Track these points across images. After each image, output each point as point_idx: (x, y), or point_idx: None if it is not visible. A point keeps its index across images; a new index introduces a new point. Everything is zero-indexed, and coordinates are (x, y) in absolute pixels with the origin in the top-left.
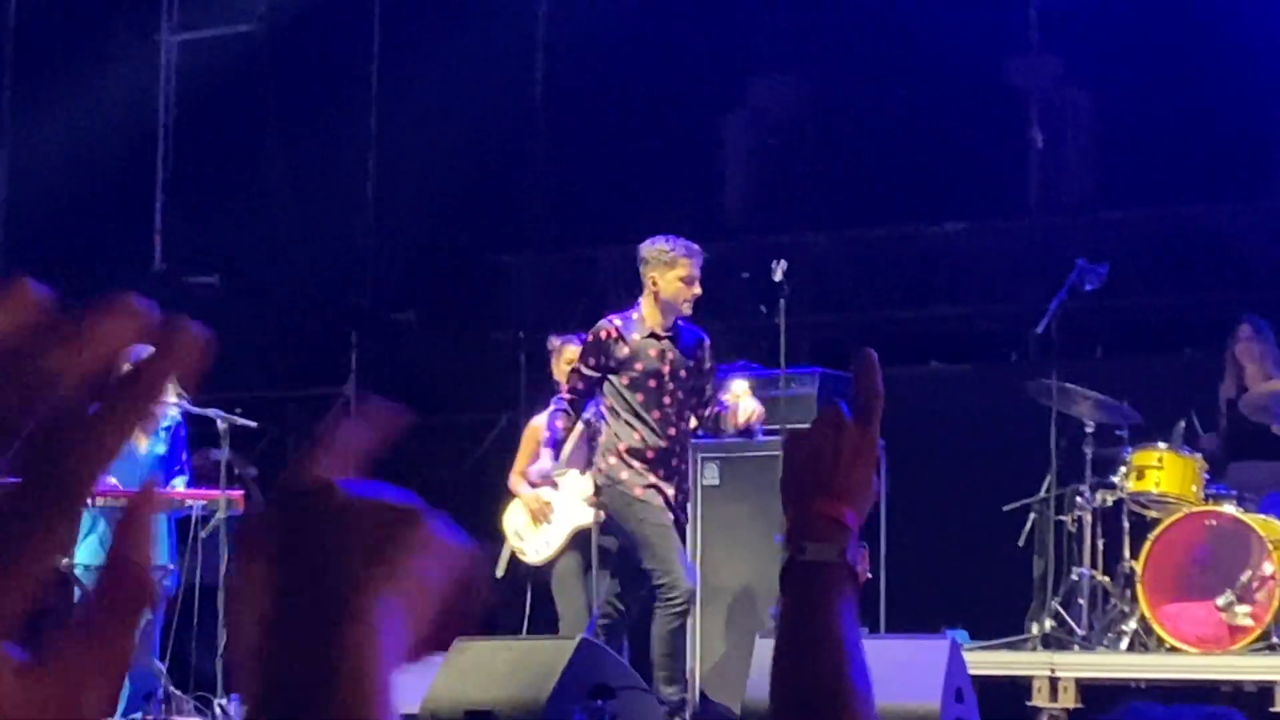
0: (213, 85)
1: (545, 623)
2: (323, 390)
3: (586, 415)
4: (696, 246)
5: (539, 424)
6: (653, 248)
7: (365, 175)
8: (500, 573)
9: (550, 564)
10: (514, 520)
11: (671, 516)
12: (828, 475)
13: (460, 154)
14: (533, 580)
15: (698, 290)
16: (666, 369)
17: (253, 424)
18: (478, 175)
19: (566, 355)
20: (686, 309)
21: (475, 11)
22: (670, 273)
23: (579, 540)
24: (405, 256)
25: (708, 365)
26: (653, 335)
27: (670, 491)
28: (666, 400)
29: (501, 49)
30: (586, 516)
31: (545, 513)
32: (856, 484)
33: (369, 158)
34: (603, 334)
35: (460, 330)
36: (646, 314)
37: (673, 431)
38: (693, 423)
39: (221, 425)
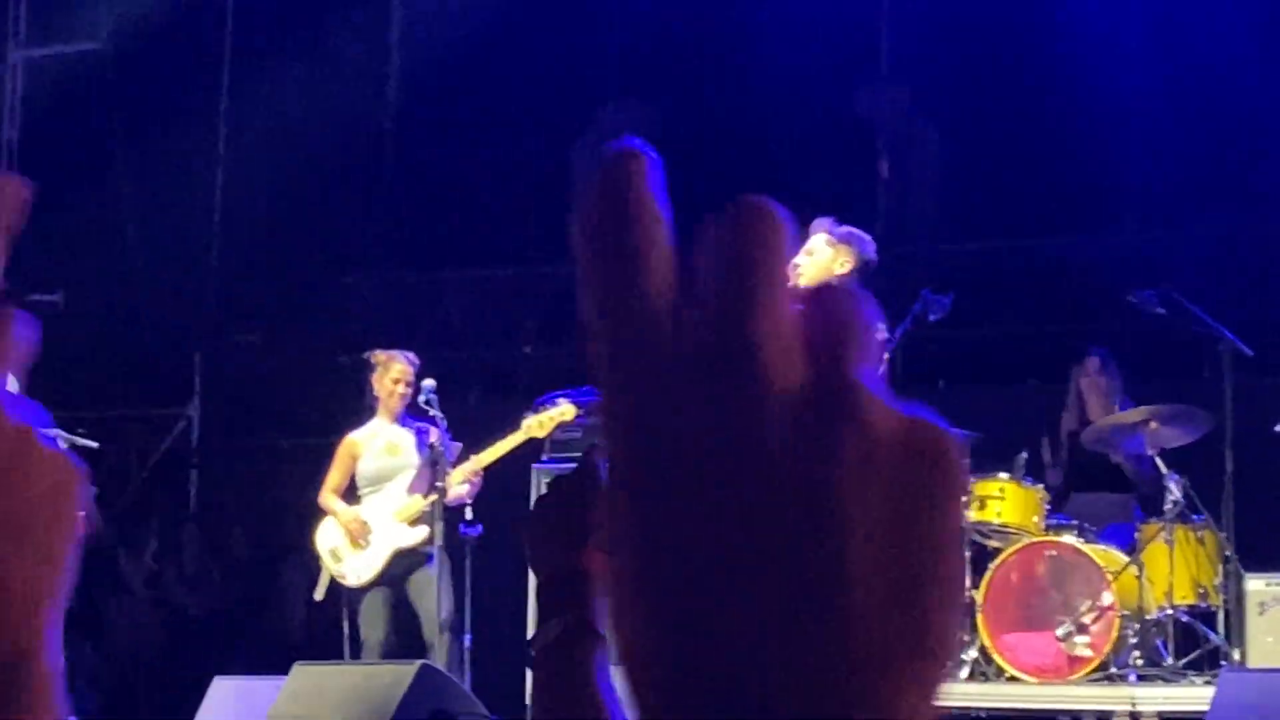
0: (59, 103)
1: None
2: (166, 410)
3: (431, 440)
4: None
5: (355, 439)
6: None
7: (212, 195)
8: (320, 596)
9: (367, 587)
10: (328, 540)
11: None
12: (583, 527)
13: (307, 175)
14: (348, 602)
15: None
16: None
17: (94, 444)
18: (324, 196)
19: (393, 372)
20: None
21: (327, 31)
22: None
23: (394, 566)
24: (250, 277)
25: None
26: None
27: None
28: None
29: (352, 71)
30: (407, 537)
31: (364, 533)
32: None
33: (216, 177)
34: None
35: (304, 351)
36: None
37: None
38: None
39: (62, 444)
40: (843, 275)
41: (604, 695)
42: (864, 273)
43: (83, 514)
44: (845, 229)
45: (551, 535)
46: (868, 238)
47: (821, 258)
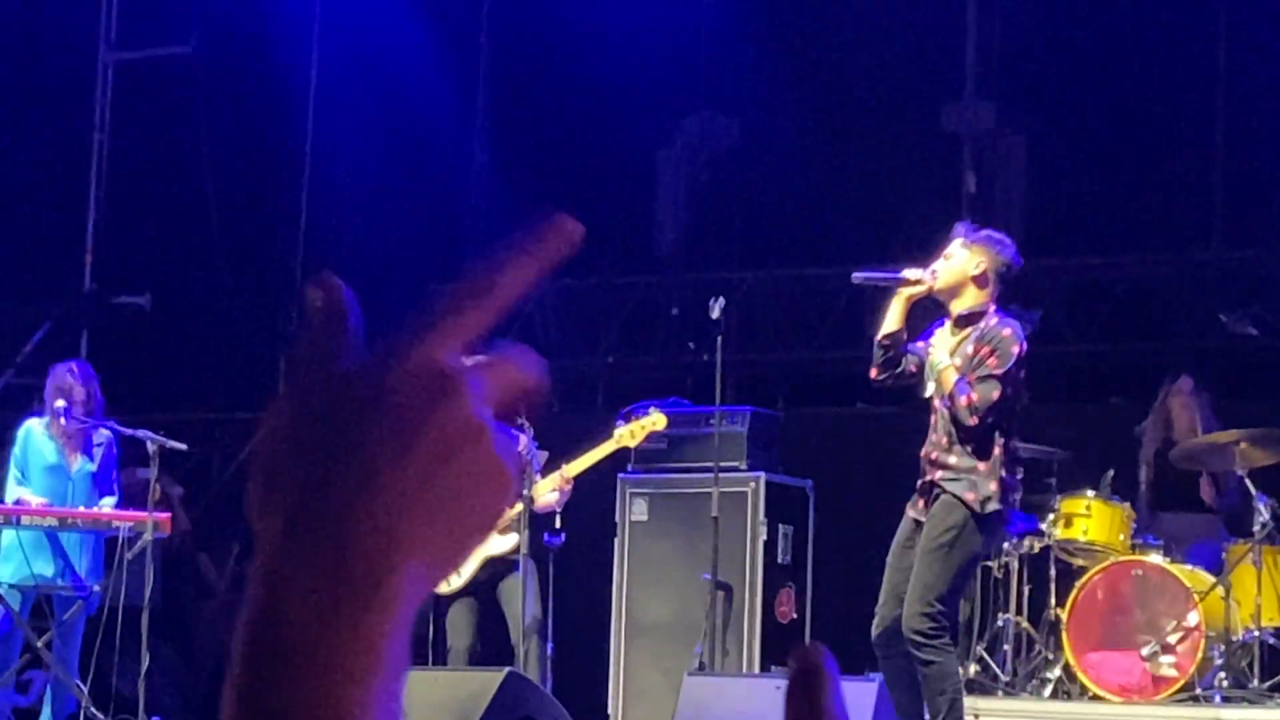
0: (149, 106)
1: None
2: (250, 413)
3: (518, 448)
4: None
5: None
6: None
7: (299, 199)
8: None
9: (456, 595)
10: None
11: None
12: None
13: (394, 182)
14: (434, 609)
15: None
16: None
17: (182, 446)
18: (411, 204)
19: None
20: None
21: (417, 36)
22: None
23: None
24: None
25: None
26: None
27: None
28: None
29: (438, 79)
30: (498, 545)
31: None
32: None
33: (302, 182)
34: None
35: None
36: None
37: None
38: None
39: (151, 447)
40: (977, 276)
41: None
42: (1003, 275)
43: (168, 514)
44: (983, 232)
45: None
46: (1007, 240)
47: (958, 261)
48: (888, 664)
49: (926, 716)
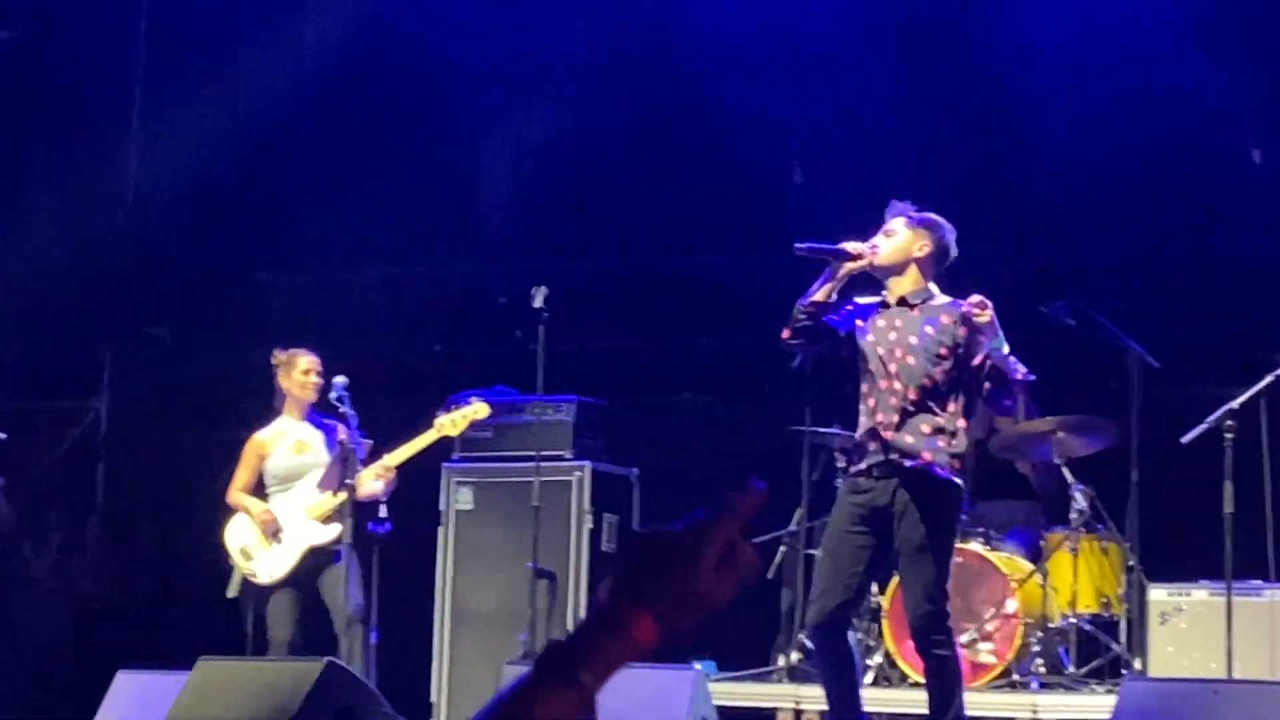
0: None
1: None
2: (73, 403)
3: (340, 437)
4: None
5: (262, 439)
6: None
7: (125, 188)
8: (233, 594)
9: (277, 585)
10: (238, 538)
11: None
12: (660, 587)
13: (221, 170)
14: (255, 599)
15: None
16: None
17: (2, 435)
18: (238, 192)
19: (301, 364)
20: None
21: (243, 27)
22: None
23: (305, 564)
24: (162, 272)
25: None
26: None
27: None
28: None
29: (267, 68)
30: (320, 535)
31: (277, 527)
32: (686, 610)
33: (129, 170)
34: None
35: (214, 347)
36: None
37: None
38: None
39: None
40: (921, 258)
41: None
42: (941, 260)
43: None
44: (926, 214)
45: (633, 576)
46: (948, 225)
47: (901, 239)
48: (826, 655)
49: (948, 714)
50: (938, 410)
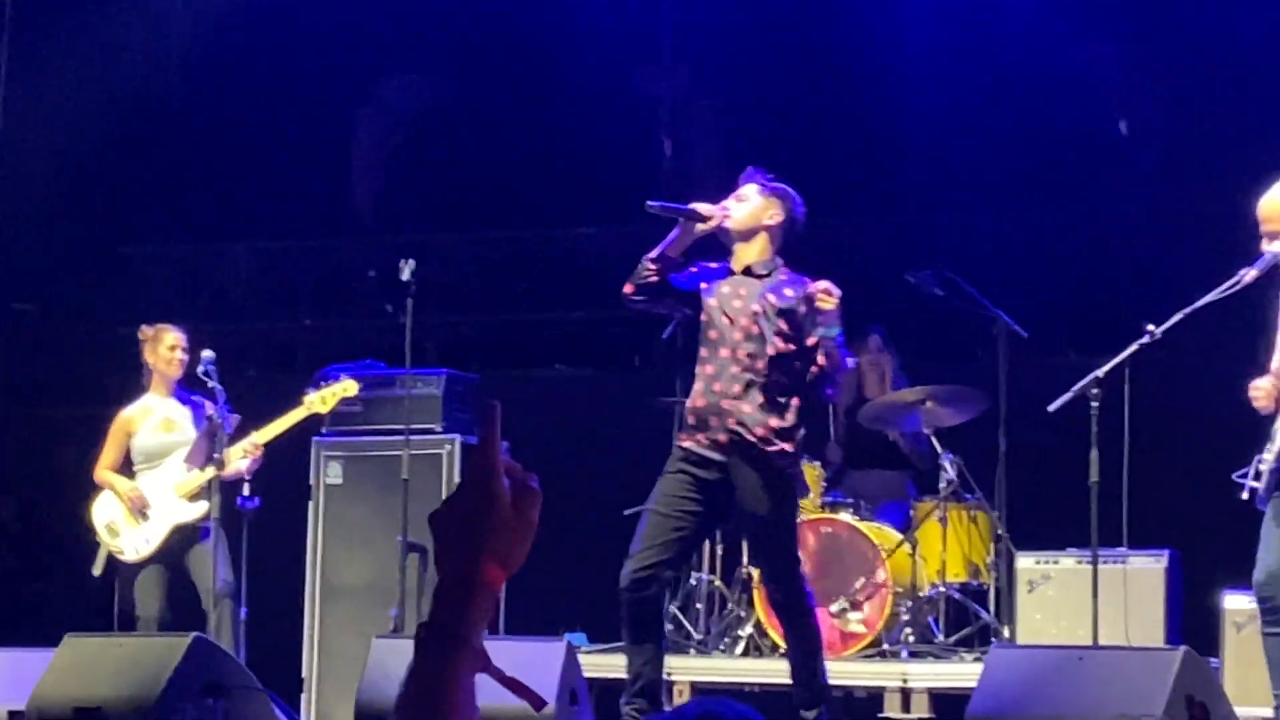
0: None
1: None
2: None
3: (208, 413)
4: None
5: (129, 416)
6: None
7: None
8: (98, 572)
9: (144, 562)
10: (105, 515)
11: None
12: (485, 535)
13: (87, 142)
14: (122, 576)
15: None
16: None
17: None
18: (104, 165)
19: (167, 340)
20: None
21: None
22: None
23: (172, 541)
24: (27, 246)
25: None
26: None
27: None
28: None
29: (134, 35)
30: (187, 512)
31: (144, 504)
32: (484, 532)
33: None
34: None
35: (80, 322)
36: None
37: None
38: None
39: None
40: (771, 226)
41: (457, 702)
42: (790, 231)
43: None
44: (780, 184)
45: (457, 539)
46: (800, 199)
47: (753, 205)
48: (636, 611)
49: (810, 682)
50: (775, 382)
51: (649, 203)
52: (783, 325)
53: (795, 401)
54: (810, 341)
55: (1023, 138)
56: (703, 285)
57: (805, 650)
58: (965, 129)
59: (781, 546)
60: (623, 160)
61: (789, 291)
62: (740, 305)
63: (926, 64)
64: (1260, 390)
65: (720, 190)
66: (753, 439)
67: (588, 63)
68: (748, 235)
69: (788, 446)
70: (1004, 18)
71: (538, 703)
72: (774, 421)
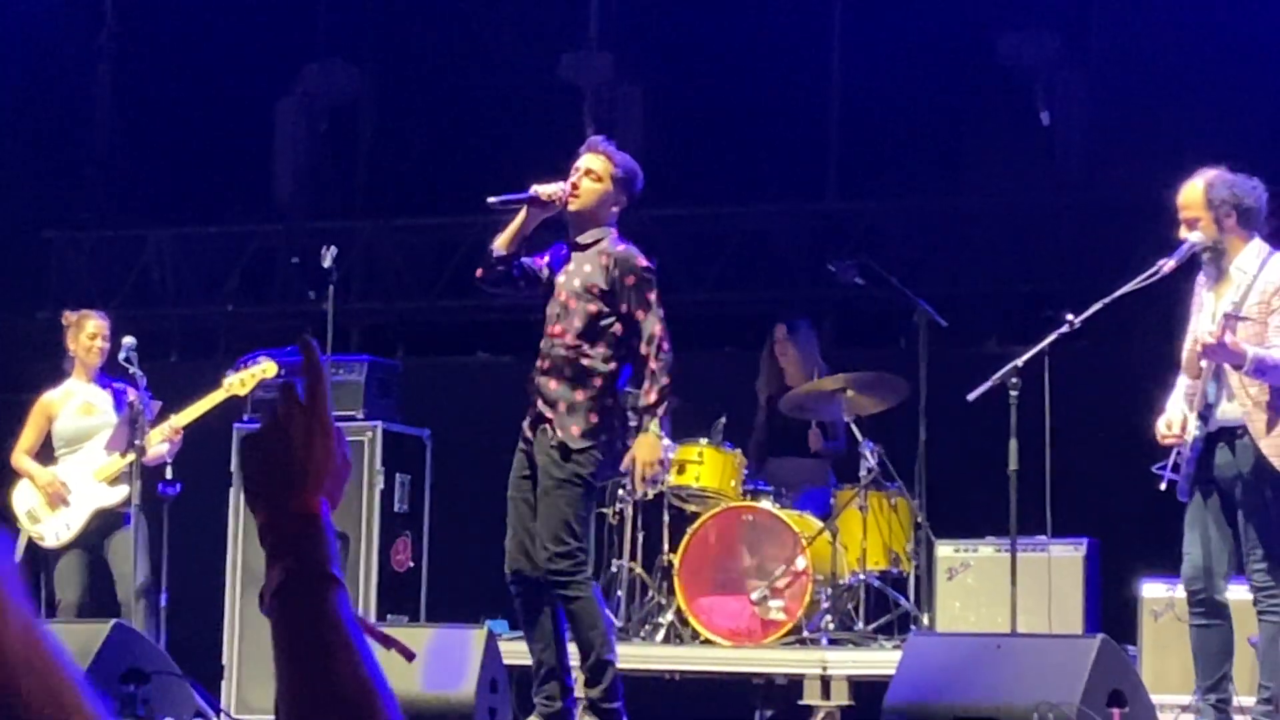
0: None
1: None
2: None
3: (129, 398)
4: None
5: (50, 400)
6: None
7: None
8: (18, 558)
9: (64, 548)
10: (24, 501)
11: None
12: (292, 470)
13: (8, 126)
14: (42, 563)
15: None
16: None
17: None
18: (25, 149)
19: (88, 328)
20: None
21: None
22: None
23: (93, 526)
24: None
25: None
26: None
27: None
28: None
29: (63, 20)
30: (107, 497)
31: (62, 494)
32: (320, 467)
33: None
34: None
35: (2, 308)
36: None
37: None
38: None
39: None
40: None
41: (349, 636)
42: (629, 203)
43: None
44: (626, 157)
45: (269, 477)
46: (639, 170)
47: (602, 186)
48: (524, 602)
49: (589, 657)
50: (584, 356)
51: (489, 199)
52: (593, 290)
53: (608, 369)
54: (625, 309)
55: (947, 125)
56: (554, 268)
57: (579, 628)
58: (889, 115)
59: (553, 518)
60: (548, 147)
61: (603, 259)
62: (564, 281)
63: (849, 52)
64: (1169, 434)
65: (644, 176)
66: (552, 416)
67: (514, 49)
68: (590, 214)
69: (582, 419)
70: (928, 6)
71: (408, 654)
72: (579, 395)
